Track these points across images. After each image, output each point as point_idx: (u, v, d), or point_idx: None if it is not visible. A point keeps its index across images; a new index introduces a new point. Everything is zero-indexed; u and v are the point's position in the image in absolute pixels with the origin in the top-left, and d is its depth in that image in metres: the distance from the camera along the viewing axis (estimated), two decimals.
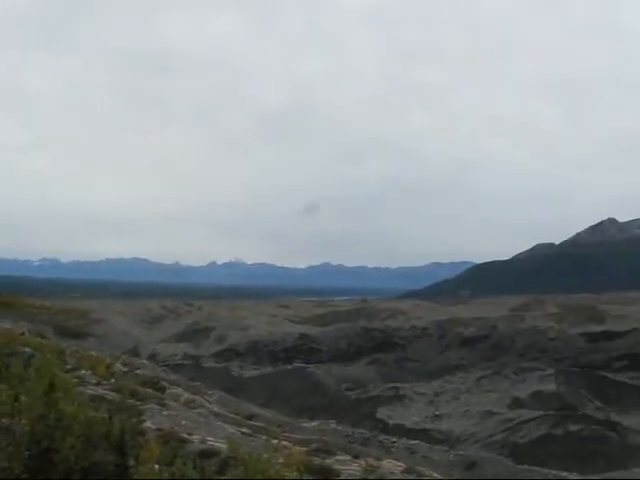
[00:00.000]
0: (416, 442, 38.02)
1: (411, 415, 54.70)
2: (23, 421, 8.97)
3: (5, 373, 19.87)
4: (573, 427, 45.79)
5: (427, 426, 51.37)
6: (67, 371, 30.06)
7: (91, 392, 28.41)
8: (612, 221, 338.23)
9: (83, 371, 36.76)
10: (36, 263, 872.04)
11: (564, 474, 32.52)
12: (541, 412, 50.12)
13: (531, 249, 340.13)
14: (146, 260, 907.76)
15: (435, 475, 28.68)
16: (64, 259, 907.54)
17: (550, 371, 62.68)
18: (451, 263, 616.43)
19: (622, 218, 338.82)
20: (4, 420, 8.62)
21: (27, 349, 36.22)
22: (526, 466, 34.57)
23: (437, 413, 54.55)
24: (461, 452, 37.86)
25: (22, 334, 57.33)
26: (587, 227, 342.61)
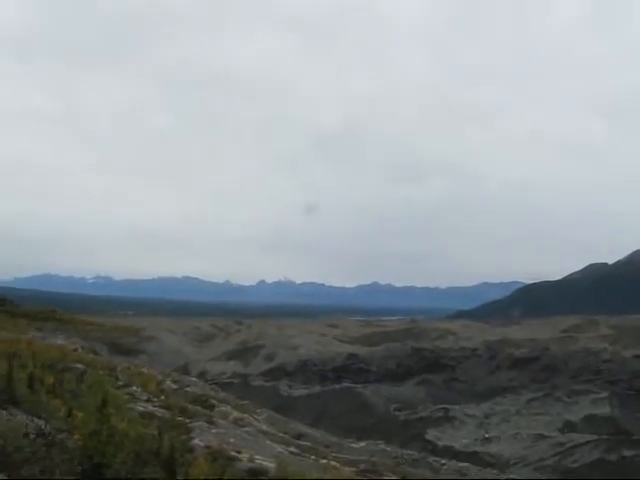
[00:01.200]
0: (466, 465, 37.54)
1: (461, 437, 54.04)
2: (76, 436, 9.14)
3: (59, 389, 20.24)
4: (627, 452, 44.68)
5: (477, 449, 50.68)
6: (118, 387, 30.51)
7: (141, 409, 28.75)
8: None
9: (134, 388, 37.22)
10: (90, 281, 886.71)
11: None
12: (594, 436, 49.04)
13: (584, 269, 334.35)
14: (197, 279, 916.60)
15: None
16: (117, 277, 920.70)
17: (604, 394, 61.36)
18: (501, 283, 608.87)
19: None
20: (59, 435, 8.79)
21: (80, 365, 36.82)
22: None
23: (487, 435, 53.79)
24: (512, 476, 37.30)
25: (75, 350, 58.28)
26: None
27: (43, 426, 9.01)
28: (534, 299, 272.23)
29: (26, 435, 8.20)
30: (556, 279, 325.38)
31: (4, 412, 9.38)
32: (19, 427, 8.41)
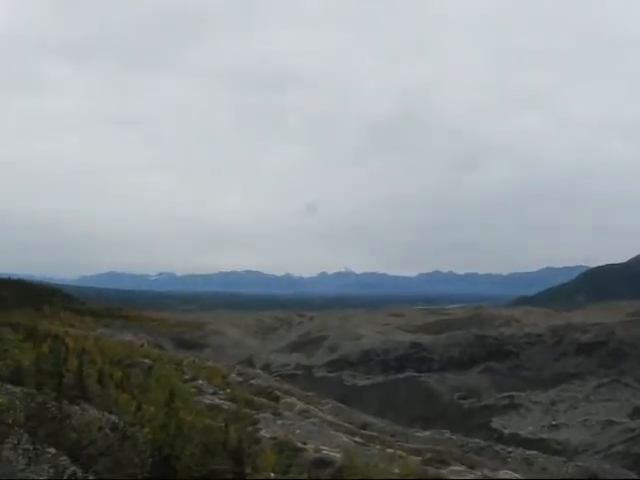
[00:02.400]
0: (533, 452, 37.12)
1: (527, 424, 53.50)
2: (146, 430, 9.37)
3: (127, 384, 20.71)
4: None
5: (544, 436, 50.12)
6: (185, 381, 31.04)
7: (208, 401, 29.16)
8: None
9: (200, 381, 37.75)
10: (153, 277, 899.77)
11: None
12: None
13: None
14: (258, 272, 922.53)
15: None
16: (179, 273, 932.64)
17: None
18: (565, 268, 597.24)
19: None
20: (130, 429, 9.04)
21: (147, 360, 37.52)
22: None
23: (554, 422, 53.13)
24: (580, 463, 36.74)
25: (142, 346, 59.39)
26: None
27: (116, 420, 9.28)
28: (599, 283, 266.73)
29: (100, 429, 8.46)
30: (621, 262, 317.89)
31: (77, 407, 9.67)
32: (92, 421, 8.67)
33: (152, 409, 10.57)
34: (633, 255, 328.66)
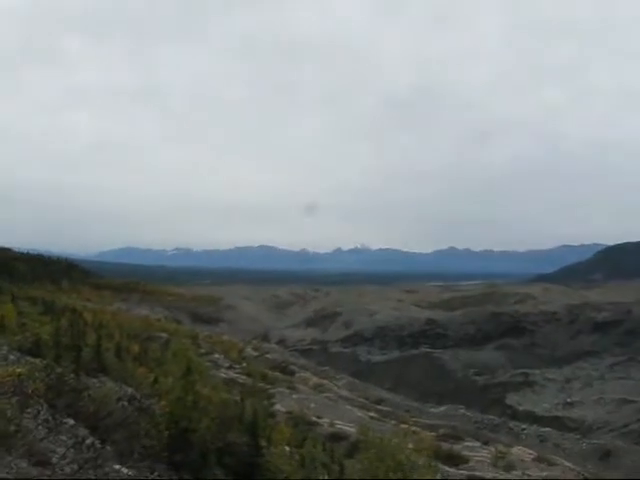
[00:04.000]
0: (547, 429, 37.20)
1: (541, 402, 53.53)
2: (162, 402, 9.50)
3: (144, 357, 20.89)
4: None
5: (558, 413, 50.13)
6: (201, 355, 31.27)
7: (224, 375, 29.34)
8: None
9: (216, 355, 37.96)
10: (169, 252, 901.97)
11: None
12: None
13: None
14: (273, 248, 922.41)
15: (567, 464, 28.06)
16: (196, 248, 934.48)
17: None
18: (582, 246, 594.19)
19: None
20: (146, 401, 9.15)
21: (163, 334, 37.78)
22: None
23: (569, 400, 53.12)
24: (595, 441, 36.80)
25: (159, 320, 59.74)
26: None
27: (133, 392, 9.39)
28: (616, 261, 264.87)
29: (118, 401, 8.57)
30: (637, 240, 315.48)
31: (95, 380, 9.80)
32: (110, 394, 8.78)
33: (169, 382, 10.69)
34: None
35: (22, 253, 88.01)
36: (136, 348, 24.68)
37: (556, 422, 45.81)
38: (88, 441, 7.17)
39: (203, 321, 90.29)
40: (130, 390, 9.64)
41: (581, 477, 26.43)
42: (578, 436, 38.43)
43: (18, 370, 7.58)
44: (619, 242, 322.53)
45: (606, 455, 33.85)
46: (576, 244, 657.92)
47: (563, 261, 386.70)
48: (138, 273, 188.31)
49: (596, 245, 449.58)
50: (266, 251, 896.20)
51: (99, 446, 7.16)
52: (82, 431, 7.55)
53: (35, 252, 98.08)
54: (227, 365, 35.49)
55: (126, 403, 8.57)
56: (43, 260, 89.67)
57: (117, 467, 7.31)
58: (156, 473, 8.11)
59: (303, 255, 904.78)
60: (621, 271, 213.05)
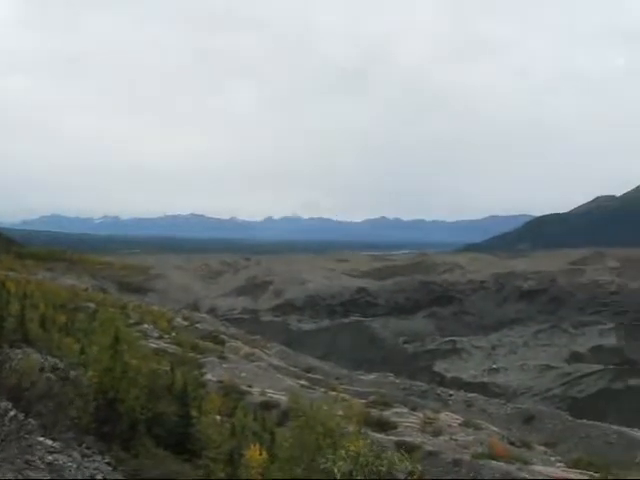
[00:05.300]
0: (473, 395, 38.08)
1: (468, 368, 54.77)
2: (90, 373, 9.29)
3: (71, 328, 20.48)
4: (633, 381, 45.29)
5: (484, 379, 51.42)
6: (130, 325, 30.86)
7: (154, 345, 29.08)
8: None
9: (145, 325, 37.60)
10: (97, 221, 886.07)
11: (624, 429, 32.25)
12: (600, 366, 49.71)
13: (591, 201, 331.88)
14: (202, 216, 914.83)
15: (493, 428, 28.78)
16: (124, 216, 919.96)
17: (610, 325, 61.93)
18: (509, 216, 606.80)
19: None
20: (72, 372, 8.93)
21: (91, 304, 37.16)
22: (585, 420, 34.39)
23: (494, 366, 54.52)
24: (519, 406, 37.84)
25: (86, 290, 58.72)
26: None
27: (58, 363, 9.16)
28: (542, 232, 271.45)
29: (41, 370, 8.34)
30: (564, 212, 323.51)
31: (18, 351, 9.50)
32: (34, 364, 8.53)
33: (96, 352, 10.47)
34: (576, 205, 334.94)
35: None
36: (62, 318, 24.15)
37: (482, 388, 47.03)
38: (11, 413, 6.97)
39: (132, 290, 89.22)
40: (55, 361, 9.38)
41: (505, 440, 27.19)
42: (503, 401, 39.47)
43: None
44: (546, 213, 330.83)
45: (529, 419, 34.86)
46: (504, 215, 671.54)
47: (492, 231, 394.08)
48: (64, 242, 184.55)
49: (524, 216, 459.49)
50: (195, 219, 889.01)
51: (22, 418, 6.96)
52: (4, 403, 7.32)
53: None
54: (157, 335, 35.13)
55: (50, 374, 8.34)
56: None
57: (41, 439, 7.13)
58: (84, 444, 7.95)
59: (233, 223, 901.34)
60: (547, 241, 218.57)
